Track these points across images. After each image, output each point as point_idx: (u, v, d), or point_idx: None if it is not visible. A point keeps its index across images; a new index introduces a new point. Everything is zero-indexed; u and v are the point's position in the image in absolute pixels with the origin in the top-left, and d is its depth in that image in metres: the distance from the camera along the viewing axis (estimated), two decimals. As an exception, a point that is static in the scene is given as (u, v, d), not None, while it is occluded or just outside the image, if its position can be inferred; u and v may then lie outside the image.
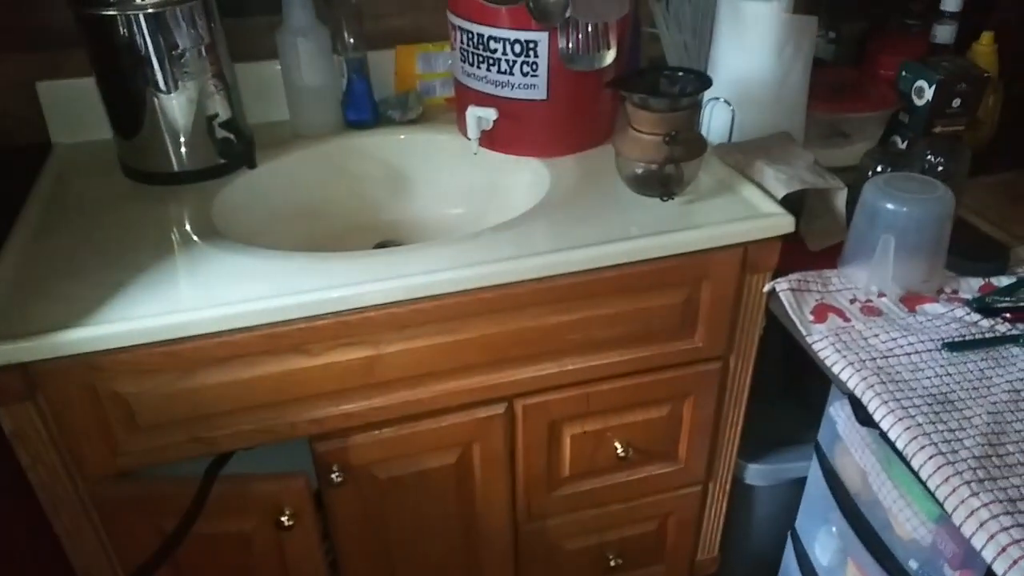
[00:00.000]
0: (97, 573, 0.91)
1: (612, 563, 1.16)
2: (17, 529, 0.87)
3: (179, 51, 0.94)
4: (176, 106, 0.97)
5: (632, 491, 1.11)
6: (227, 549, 0.93)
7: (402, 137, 1.14)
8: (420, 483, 0.98)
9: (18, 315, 0.77)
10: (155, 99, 0.96)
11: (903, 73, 1.18)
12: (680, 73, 0.98)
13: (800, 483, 1.10)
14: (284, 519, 0.88)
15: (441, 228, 1.10)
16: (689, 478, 1.13)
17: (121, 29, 0.91)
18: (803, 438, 1.13)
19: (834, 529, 1.02)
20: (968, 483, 0.71)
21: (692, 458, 1.10)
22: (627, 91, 0.95)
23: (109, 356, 0.77)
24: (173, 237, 0.90)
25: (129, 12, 0.90)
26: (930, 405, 0.80)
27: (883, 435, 0.80)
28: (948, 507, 0.71)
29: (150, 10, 0.91)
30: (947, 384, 0.83)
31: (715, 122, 1.09)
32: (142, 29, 0.91)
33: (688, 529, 1.19)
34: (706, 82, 0.96)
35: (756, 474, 1.16)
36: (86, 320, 0.76)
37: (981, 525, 0.68)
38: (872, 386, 0.83)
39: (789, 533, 1.14)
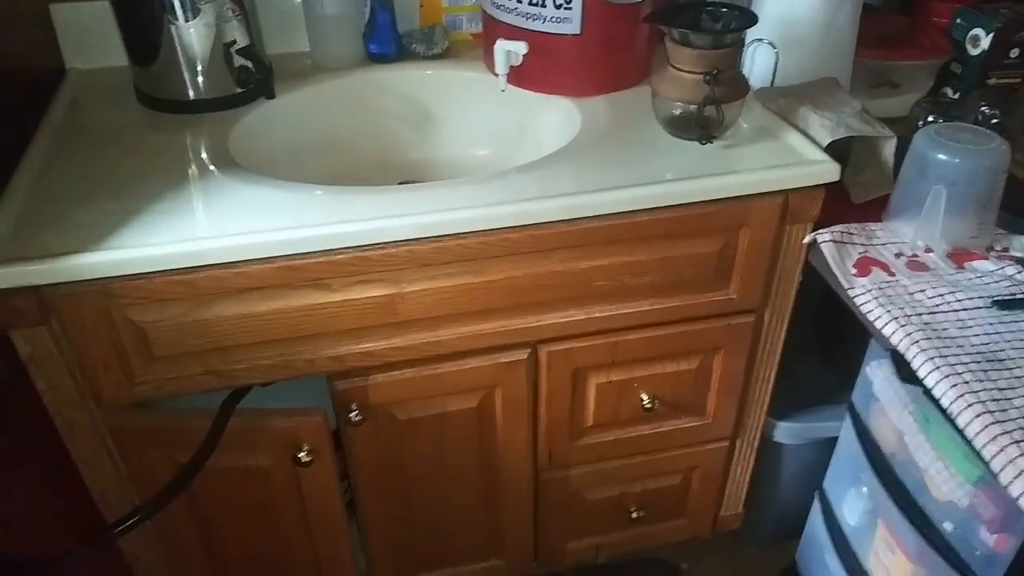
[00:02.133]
0: (114, 501, 0.91)
1: (634, 515, 1.14)
2: (38, 456, 0.86)
3: (196, -27, 0.90)
4: (193, 32, 0.93)
5: (657, 444, 1.08)
6: (245, 484, 0.92)
7: (426, 73, 1.10)
8: (440, 426, 0.97)
9: (31, 239, 0.75)
10: (171, 25, 0.92)
11: (957, 20, 1.12)
12: (723, 9, 0.93)
13: (829, 443, 1.08)
14: (302, 455, 0.87)
15: (465, 169, 1.07)
16: (716, 433, 1.10)
17: (138, -51, 0.88)
18: (834, 398, 1.10)
19: (865, 490, 1.00)
20: (1018, 442, 0.68)
21: (720, 413, 1.07)
22: (667, 26, 0.90)
23: (124, 283, 0.75)
24: (189, 166, 0.87)
25: (146, -70, 0.86)
26: (978, 363, 0.77)
27: (927, 393, 0.77)
28: (995, 467, 0.68)
29: (167, -72, 0.87)
30: (996, 342, 0.80)
31: (758, 65, 1.04)
32: (159, -50, 0.88)
33: (713, 485, 1.17)
34: (751, 18, 0.91)
35: (785, 432, 1.13)
36: (100, 245, 0.74)
37: (1031, 485, 0.65)
38: (917, 342, 0.79)
39: (816, 493, 1.12)
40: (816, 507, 1.12)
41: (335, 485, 0.93)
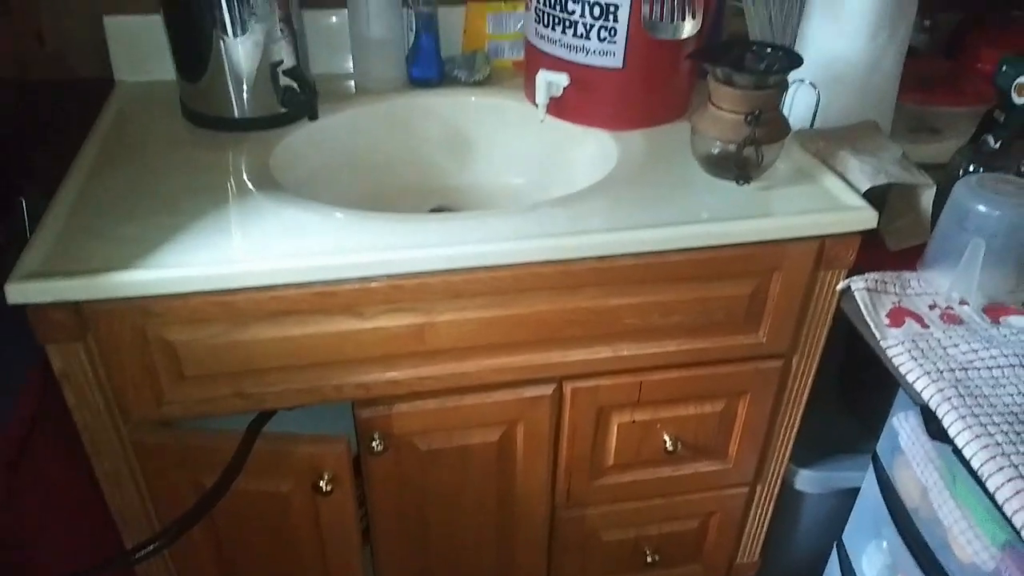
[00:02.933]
0: (133, 520, 0.91)
1: (648, 559, 1.13)
2: (61, 468, 0.86)
3: (248, -8, 0.91)
4: (241, 50, 0.94)
5: (677, 486, 1.07)
6: (263, 507, 0.92)
7: (467, 99, 1.10)
8: (461, 458, 0.96)
9: (73, 252, 0.75)
10: (221, 41, 0.93)
11: (1003, 68, 1.10)
12: (768, 49, 0.92)
13: (851, 493, 1.06)
14: (323, 483, 0.86)
15: (500, 197, 1.07)
16: (737, 478, 1.09)
17: (191, -34, 0.89)
18: (858, 447, 1.09)
19: (885, 544, 0.98)
20: (1052, 512, 0.66)
21: (742, 458, 1.06)
22: (711, 64, 0.89)
23: (162, 301, 0.75)
24: (231, 185, 0.88)
25: (200, -50, 0.88)
26: (1011, 424, 0.75)
27: (956, 452, 0.76)
28: (1029, 535, 0.67)
29: (222, -51, 0.88)
30: (1031, 403, 0.78)
31: (798, 106, 1.03)
32: (213, -33, 0.89)
33: (731, 531, 1.15)
34: (796, 61, 0.90)
35: (807, 480, 1.12)
36: (141, 263, 0.74)
37: (1066, 559, 0.63)
38: (949, 398, 0.78)
39: (835, 544, 1.10)
40: (834, 559, 1.10)
41: (353, 514, 0.93)
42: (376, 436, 0.90)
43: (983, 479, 0.72)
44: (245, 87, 0.96)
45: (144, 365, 0.79)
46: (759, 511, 1.15)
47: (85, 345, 0.77)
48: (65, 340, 0.75)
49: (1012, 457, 0.71)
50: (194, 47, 0.94)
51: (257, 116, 0.98)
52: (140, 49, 1.07)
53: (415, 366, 0.87)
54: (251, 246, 0.78)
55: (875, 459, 0.99)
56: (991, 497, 0.71)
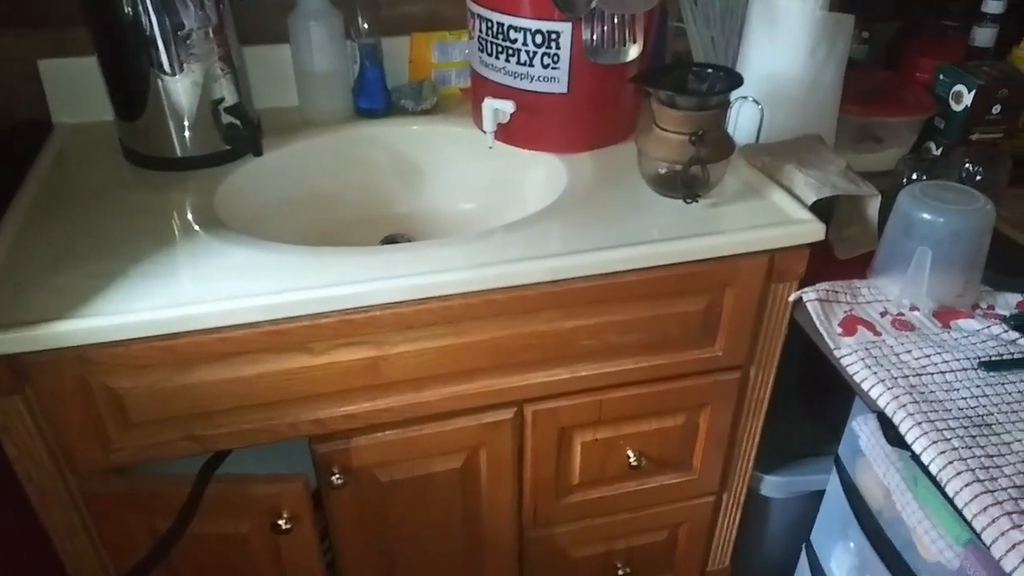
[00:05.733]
0: (88, 570, 0.88)
1: (620, 572, 1.13)
2: (9, 523, 0.84)
3: (185, 32, 0.90)
4: (180, 89, 0.93)
5: (643, 500, 1.07)
6: (223, 550, 0.90)
7: (415, 128, 1.10)
8: (424, 487, 0.95)
9: (8, 304, 0.73)
10: (159, 81, 0.92)
11: (940, 77, 1.14)
12: (709, 70, 0.94)
13: (817, 496, 1.07)
14: (281, 522, 0.85)
15: (452, 223, 1.07)
16: (703, 488, 1.09)
17: (126, 7, 0.87)
18: (821, 451, 1.10)
19: (852, 545, 0.99)
20: (1009, 514, 0.67)
21: (707, 468, 1.07)
22: (653, 87, 0.90)
23: (103, 349, 0.73)
24: (174, 226, 0.87)
25: (134, -10, 0.87)
26: (966, 428, 0.76)
27: (915, 457, 0.77)
28: (987, 538, 0.67)
29: (156, -12, 0.87)
30: (984, 406, 0.79)
31: (743, 122, 1.05)
32: (147, 8, 0.88)
33: (699, 539, 1.16)
34: (736, 80, 0.92)
35: (772, 486, 1.13)
36: (79, 312, 0.72)
37: None
38: (904, 405, 0.79)
39: (804, 546, 1.11)
40: (804, 561, 1.11)
41: (315, 551, 0.91)
42: (335, 470, 0.89)
43: (942, 484, 0.73)
44: (186, 126, 0.95)
45: (88, 414, 0.77)
46: (727, 519, 1.16)
47: (23, 397, 0.75)
48: (1, 394, 0.73)
49: (969, 461, 0.73)
50: (131, 88, 0.93)
51: (200, 154, 0.97)
52: (77, 91, 1.05)
53: (371, 399, 0.86)
54: (195, 288, 0.77)
55: (837, 462, 1.00)
56: (951, 501, 0.71)
